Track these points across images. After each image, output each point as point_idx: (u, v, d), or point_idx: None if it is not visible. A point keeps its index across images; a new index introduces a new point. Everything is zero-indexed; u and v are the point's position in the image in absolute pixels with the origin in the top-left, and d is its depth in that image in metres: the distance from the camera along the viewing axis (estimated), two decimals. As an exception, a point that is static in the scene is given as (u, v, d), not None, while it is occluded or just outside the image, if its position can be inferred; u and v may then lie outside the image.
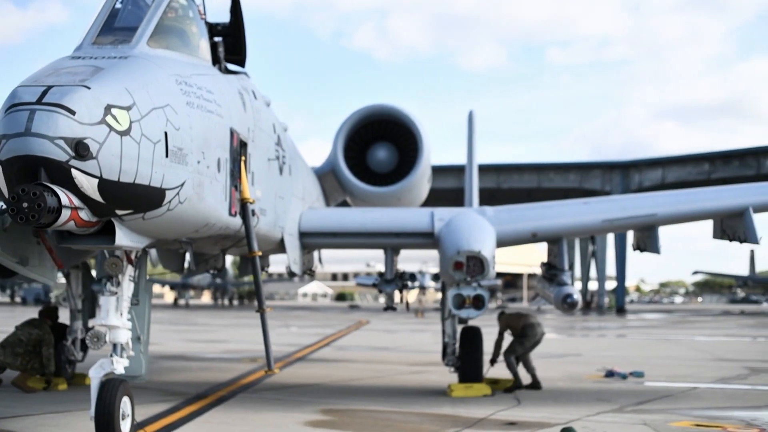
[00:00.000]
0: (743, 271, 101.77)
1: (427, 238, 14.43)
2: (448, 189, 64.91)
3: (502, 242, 14.24)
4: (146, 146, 7.59)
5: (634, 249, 15.72)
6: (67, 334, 15.31)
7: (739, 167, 68.26)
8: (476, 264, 13.22)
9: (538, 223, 14.76)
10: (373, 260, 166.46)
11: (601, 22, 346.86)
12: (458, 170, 61.06)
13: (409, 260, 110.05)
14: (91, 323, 15.26)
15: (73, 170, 7.12)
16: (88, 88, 7.28)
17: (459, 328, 15.68)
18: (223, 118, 9.42)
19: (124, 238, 8.03)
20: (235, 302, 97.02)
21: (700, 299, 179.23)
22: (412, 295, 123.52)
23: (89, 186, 7.26)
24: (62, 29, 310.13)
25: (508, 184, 74.69)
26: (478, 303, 13.39)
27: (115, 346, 9.11)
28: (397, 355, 24.25)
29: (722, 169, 69.14)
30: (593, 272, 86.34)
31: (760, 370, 19.48)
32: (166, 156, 7.87)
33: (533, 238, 14.85)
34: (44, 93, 7.14)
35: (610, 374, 17.96)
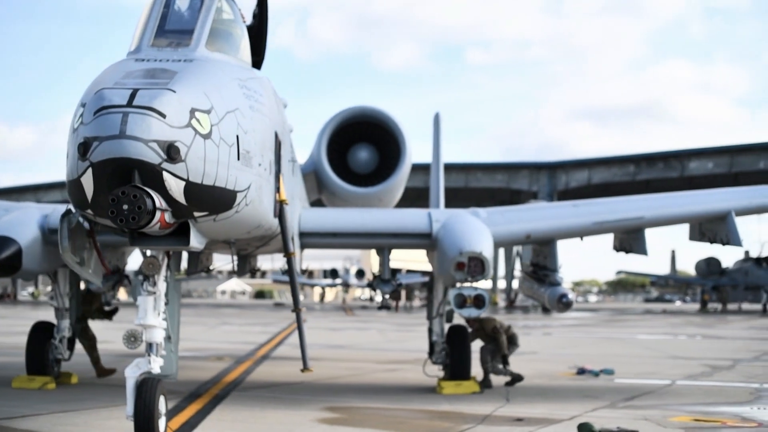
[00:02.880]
0: (657, 270, 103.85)
1: (424, 239, 14.65)
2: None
3: (496, 243, 14.54)
4: (224, 149, 7.71)
5: (617, 250, 16.23)
6: (55, 332, 15.25)
7: (663, 169, 69.95)
8: (477, 264, 13.49)
9: (532, 225, 15.14)
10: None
11: (520, 24, 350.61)
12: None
13: (336, 258, 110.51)
14: (82, 321, 15.48)
15: (164, 173, 7.22)
16: (174, 91, 7.35)
17: (446, 327, 15.99)
18: (271, 121, 9.58)
19: (193, 239, 8.14)
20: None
21: (612, 298, 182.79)
22: (332, 293, 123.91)
23: (177, 188, 7.34)
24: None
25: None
26: (479, 302, 13.69)
27: (151, 345, 9.13)
28: (359, 353, 24.48)
29: (647, 171, 70.77)
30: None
31: (721, 368, 20.14)
32: (238, 159, 8.00)
33: (527, 239, 15.24)
34: (132, 96, 7.20)
35: (581, 372, 18.46)
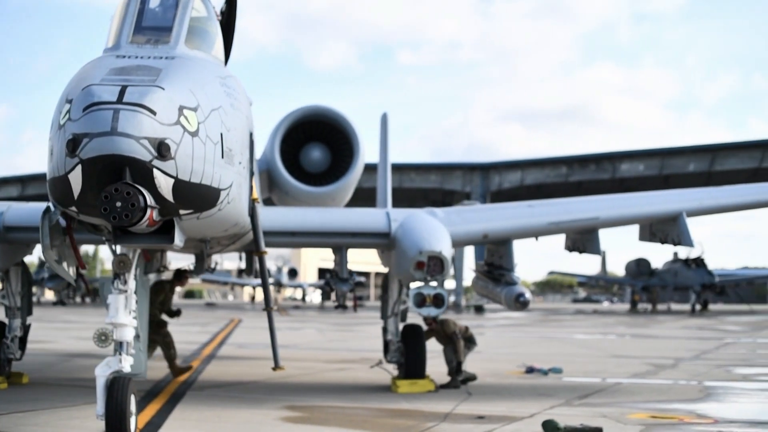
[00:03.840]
0: (585, 271, 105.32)
1: (382, 239, 14.69)
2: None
3: (454, 243, 14.66)
4: (210, 147, 7.72)
5: (570, 251, 16.45)
6: (6, 332, 15.05)
7: (595, 171, 70.98)
8: (436, 264, 13.60)
9: (489, 225, 15.27)
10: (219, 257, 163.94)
11: (450, 25, 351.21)
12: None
13: (267, 257, 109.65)
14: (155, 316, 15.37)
15: (154, 170, 7.18)
16: (163, 88, 7.33)
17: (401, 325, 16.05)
18: (247, 119, 9.59)
19: (176, 237, 8.11)
20: (88, 299, 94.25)
21: (540, 298, 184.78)
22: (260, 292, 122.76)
23: (166, 186, 7.32)
24: None
25: (369, 184, 73.89)
26: (438, 301, 13.80)
27: (121, 344, 9.09)
28: (304, 353, 24.41)
29: (579, 173, 71.76)
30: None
31: (664, 366, 20.49)
32: (222, 157, 8.00)
33: (484, 239, 15.38)
34: (122, 92, 7.14)
35: (530, 370, 18.67)
